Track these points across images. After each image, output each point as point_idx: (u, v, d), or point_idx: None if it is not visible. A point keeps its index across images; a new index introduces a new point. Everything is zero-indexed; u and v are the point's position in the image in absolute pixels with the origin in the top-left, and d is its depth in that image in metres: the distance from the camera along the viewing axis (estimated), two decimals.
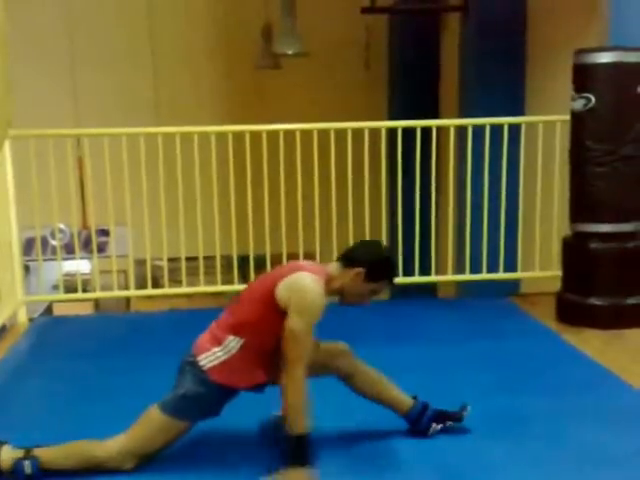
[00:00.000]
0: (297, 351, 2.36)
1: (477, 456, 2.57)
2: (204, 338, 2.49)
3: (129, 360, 3.62)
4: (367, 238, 4.59)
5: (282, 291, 2.40)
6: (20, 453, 2.40)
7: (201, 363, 2.43)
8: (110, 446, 2.42)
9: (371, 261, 2.50)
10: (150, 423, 2.43)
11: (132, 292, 4.94)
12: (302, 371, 2.36)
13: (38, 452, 2.41)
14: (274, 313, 2.40)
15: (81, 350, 3.87)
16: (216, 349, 2.43)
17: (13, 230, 4.21)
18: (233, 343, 2.43)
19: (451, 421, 2.69)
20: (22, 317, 4.32)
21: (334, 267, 2.54)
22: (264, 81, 7.86)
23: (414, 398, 2.70)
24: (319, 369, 2.57)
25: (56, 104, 7.54)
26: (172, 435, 2.45)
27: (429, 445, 2.63)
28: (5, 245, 4.11)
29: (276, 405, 2.42)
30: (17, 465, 2.37)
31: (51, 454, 2.42)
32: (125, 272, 4.96)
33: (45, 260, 4.83)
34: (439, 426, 2.68)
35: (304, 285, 2.40)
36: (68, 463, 2.42)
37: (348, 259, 2.52)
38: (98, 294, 4.90)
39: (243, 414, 2.64)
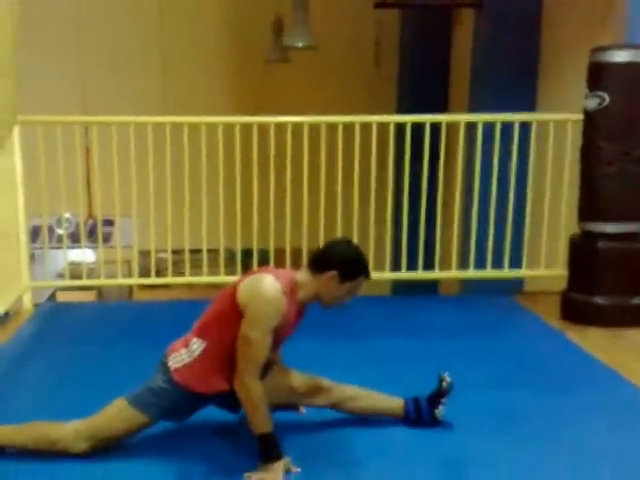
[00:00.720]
0: (249, 357, 2.35)
1: (476, 450, 2.56)
2: (179, 340, 2.51)
3: (130, 347, 3.63)
4: (372, 233, 4.60)
5: (241, 293, 2.38)
6: None
7: (169, 364, 2.46)
8: (66, 427, 2.44)
9: (342, 261, 2.46)
10: (112, 409, 2.45)
11: (135, 280, 4.96)
12: (255, 376, 2.35)
13: None
14: (235, 315, 2.38)
15: (84, 336, 3.89)
16: (183, 351, 2.46)
17: (20, 216, 4.22)
18: (196, 346, 2.44)
19: (444, 397, 2.68)
20: (27, 302, 4.34)
21: (304, 274, 2.50)
22: (273, 75, 7.84)
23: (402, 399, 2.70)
24: (298, 404, 2.65)
25: (63, 97, 7.51)
26: (131, 426, 2.45)
27: (426, 439, 2.62)
28: (12, 231, 4.12)
29: None
30: None
31: (5, 430, 2.47)
32: (129, 262, 4.98)
33: (50, 249, 4.85)
34: (441, 408, 2.67)
35: (261, 289, 2.36)
36: (21, 441, 2.44)
37: (318, 264, 2.47)
38: (102, 281, 4.93)
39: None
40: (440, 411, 2.68)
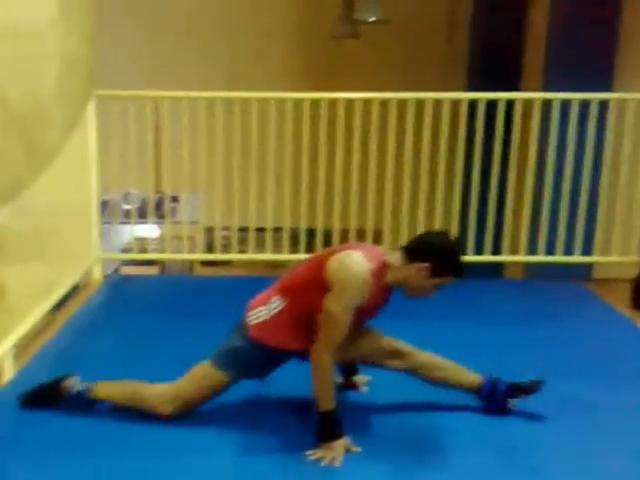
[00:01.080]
0: (329, 331, 2.36)
1: (538, 439, 2.52)
2: (257, 297, 2.57)
3: (193, 319, 3.72)
4: (439, 215, 4.54)
5: (330, 267, 2.39)
6: (78, 381, 2.62)
7: (247, 320, 2.51)
8: (155, 387, 2.56)
9: (436, 256, 2.40)
10: (195, 372, 2.54)
11: (201, 255, 5.08)
12: (330, 351, 2.36)
13: (94, 383, 2.61)
14: (320, 285, 2.39)
15: (151, 306, 4.02)
16: (261, 307, 2.50)
17: (93, 189, 4.32)
18: (275, 304, 2.48)
19: (526, 394, 2.63)
20: (97, 274, 4.45)
21: (397, 257, 2.47)
22: (341, 51, 7.76)
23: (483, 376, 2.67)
24: (376, 363, 2.63)
25: (132, 76, 7.61)
26: (213, 385, 2.52)
27: (490, 426, 2.60)
28: (85, 204, 4.22)
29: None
30: (72, 388, 2.59)
31: (104, 385, 2.62)
32: (192, 239, 5.07)
33: (110, 223, 4.98)
34: (515, 400, 2.63)
35: (350, 265, 2.36)
36: (116, 395, 2.59)
37: (413, 252, 2.44)
38: (168, 255, 5.02)
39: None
40: (512, 403, 2.64)
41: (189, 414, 2.55)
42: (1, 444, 2.41)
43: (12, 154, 2.97)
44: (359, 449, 2.38)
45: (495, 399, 2.64)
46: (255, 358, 2.51)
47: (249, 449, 2.42)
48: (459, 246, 2.56)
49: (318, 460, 2.33)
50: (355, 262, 2.36)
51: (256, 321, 2.49)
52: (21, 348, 3.18)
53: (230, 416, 2.61)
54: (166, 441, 2.45)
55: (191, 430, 2.51)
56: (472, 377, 2.68)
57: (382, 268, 2.42)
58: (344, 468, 2.30)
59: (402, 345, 2.65)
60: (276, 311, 2.47)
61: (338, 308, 2.34)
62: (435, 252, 2.42)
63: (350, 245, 2.60)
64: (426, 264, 2.39)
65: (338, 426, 2.39)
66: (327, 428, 2.38)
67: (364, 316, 2.48)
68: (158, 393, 2.55)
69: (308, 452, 2.36)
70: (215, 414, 2.59)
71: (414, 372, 2.66)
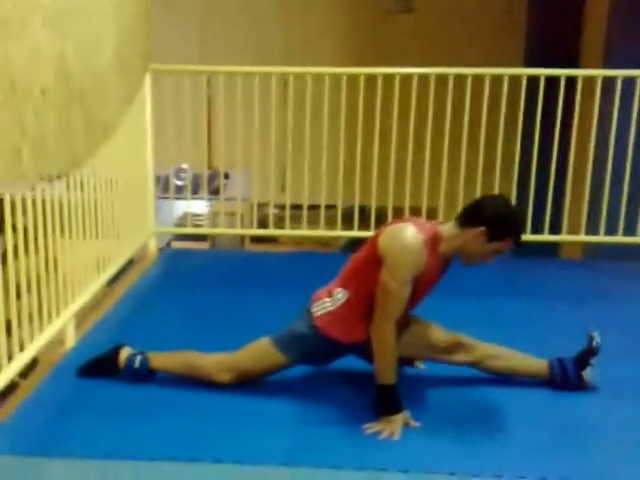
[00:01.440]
0: (388, 305, 2.34)
1: (611, 417, 2.48)
2: (323, 288, 2.57)
3: (246, 292, 3.75)
4: (496, 192, 4.45)
5: (382, 241, 2.37)
6: (135, 351, 2.64)
7: (312, 310, 2.52)
8: (212, 357, 2.59)
9: (494, 219, 2.35)
10: (256, 347, 2.56)
11: (254, 231, 5.10)
12: (391, 324, 2.35)
13: (150, 353, 2.63)
14: (375, 263, 2.37)
15: (204, 280, 4.05)
16: (327, 299, 2.51)
17: (149, 164, 4.36)
18: (340, 295, 2.48)
19: (592, 356, 2.57)
20: (152, 247, 4.51)
21: (451, 226, 2.43)
22: (396, 25, 7.65)
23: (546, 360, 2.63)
24: (437, 359, 2.62)
25: (185, 52, 7.65)
26: (271, 364, 2.54)
27: (551, 402, 2.56)
28: (140, 179, 4.27)
29: None
30: (129, 359, 2.61)
31: (161, 355, 2.64)
32: (243, 215, 5.11)
33: (166, 198, 5.04)
34: (589, 369, 2.58)
35: (402, 238, 2.34)
36: (173, 365, 2.62)
37: (469, 217, 2.39)
38: (221, 230, 5.08)
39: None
40: (587, 373, 2.58)
41: (247, 383, 2.57)
42: (66, 408, 2.46)
43: (72, 128, 3.00)
44: (418, 424, 2.36)
45: (568, 376, 2.59)
46: (317, 347, 2.53)
47: (307, 420, 2.43)
48: (517, 209, 2.49)
49: (376, 433, 2.32)
50: (407, 234, 2.34)
51: (321, 312, 2.50)
52: (82, 318, 3.24)
53: (290, 387, 2.63)
54: (223, 408, 2.48)
55: (249, 398, 2.53)
56: (538, 362, 2.65)
57: (435, 238, 2.39)
58: (403, 442, 2.28)
59: (461, 337, 2.61)
60: (340, 302, 2.48)
61: (394, 283, 2.32)
62: (491, 215, 2.37)
63: (401, 219, 2.58)
64: (482, 228, 2.35)
65: (397, 400, 2.37)
66: (386, 402, 2.37)
67: (422, 289, 2.45)
68: (215, 362, 2.57)
69: (366, 425, 2.36)
70: (274, 384, 2.61)
71: (478, 364, 2.63)
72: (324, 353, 2.56)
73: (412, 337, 2.56)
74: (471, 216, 2.39)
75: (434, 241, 2.39)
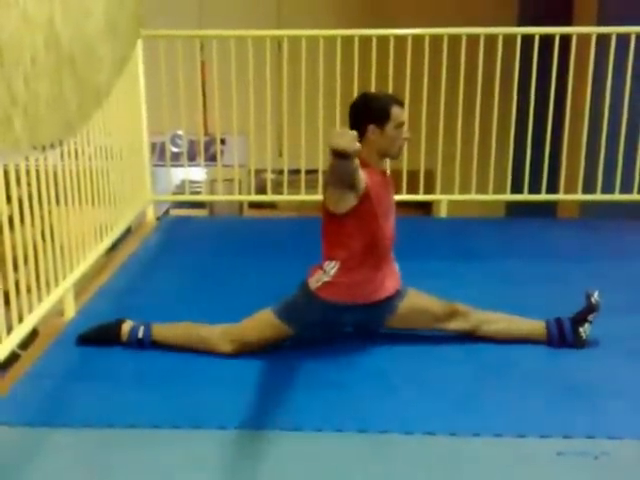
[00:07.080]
0: (328, 193, 2.45)
1: (612, 375, 2.48)
2: (315, 265, 2.60)
3: (246, 258, 3.76)
4: (493, 153, 4.44)
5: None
6: (139, 322, 2.66)
7: (311, 286, 2.56)
8: (215, 328, 2.60)
9: (368, 111, 2.49)
10: (258, 317, 2.58)
11: (252, 197, 5.08)
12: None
13: (153, 324, 2.65)
14: (332, 217, 2.49)
15: (204, 247, 4.05)
16: (321, 272, 2.56)
17: (144, 131, 4.32)
18: (332, 266, 2.53)
19: (591, 313, 2.60)
20: (150, 215, 4.50)
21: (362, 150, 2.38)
22: None
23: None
24: (434, 328, 2.64)
25: (179, 15, 7.54)
26: (274, 335, 2.56)
27: (551, 361, 2.57)
28: (136, 146, 4.23)
29: None
30: (132, 330, 2.63)
31: (163, 327, 2.65)
32: (241, 181, 5.08)
33: (163, 166, 4.99)
34: (587, 326, 2.60)
35: None
36: (174, 336, 2.62)
37: (358, 129, 2.29)
38: (221, 197, 5.05)
39: None
40: (586, 329, 2.60)
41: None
42: (67, 378, 2.47)
43: (64, 96, 2.96)
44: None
45: (565, 334, 2.61)
46: (320, 318, 2.56)
47: (309, 384, 2.42)
48: (370, 91, 2.66)
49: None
50: None
51: (319, 284, 2.54)
52: (81, 287, 3.24)
53: (291, 354, 2.62)
54: (226, 375, 2.48)
55: (250, 365, 2.52)
56: (535, 323, 2.66)
57: (363, 164, 2.42)
58: (404, 404, 2.28)
59: (457, 305, 2.65)
60: (335, 271, 2.53)
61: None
62: (364, 111, 2.51)
63: None
64: (369, 126, 2.48)
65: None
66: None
67: (380, 207, 2.51)
68: (218, 333, 2.58)
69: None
70: (275, 352, 2.60)
71: (475, 331, 2.66)
72: (326, 322, 2.58)
73: (409, 308, 2.61)
74: (357, 127, 2.42)
75: (364, 165, 2.44)
